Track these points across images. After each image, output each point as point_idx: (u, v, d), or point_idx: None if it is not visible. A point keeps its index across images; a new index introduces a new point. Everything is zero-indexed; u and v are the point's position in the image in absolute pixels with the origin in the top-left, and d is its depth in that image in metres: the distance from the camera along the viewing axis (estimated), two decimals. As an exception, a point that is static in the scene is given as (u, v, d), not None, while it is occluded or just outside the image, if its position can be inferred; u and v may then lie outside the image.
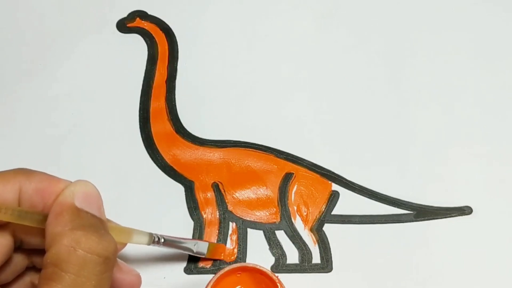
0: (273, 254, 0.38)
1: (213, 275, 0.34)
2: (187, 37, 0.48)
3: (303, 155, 0.41)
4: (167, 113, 0.44)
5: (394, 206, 0.39)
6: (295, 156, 0.41)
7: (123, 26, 0.48)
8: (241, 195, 0.40)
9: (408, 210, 0.39)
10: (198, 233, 0.38)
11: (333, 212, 0.39)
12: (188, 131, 0.43)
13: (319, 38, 0.47)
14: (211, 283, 0.33)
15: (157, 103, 0.44)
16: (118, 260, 0.31)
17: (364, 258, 0.37)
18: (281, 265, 0.37)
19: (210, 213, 0.39)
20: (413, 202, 0.39)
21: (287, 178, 0.40)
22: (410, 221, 0.39)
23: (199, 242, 0.36)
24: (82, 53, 0.47)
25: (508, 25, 0.47)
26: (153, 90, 0.45)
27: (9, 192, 0.27)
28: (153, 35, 0.48)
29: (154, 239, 0.32)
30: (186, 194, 0.40)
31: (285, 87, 0.45)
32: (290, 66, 0.46)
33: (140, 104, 0.44)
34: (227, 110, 0.44)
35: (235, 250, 0.38)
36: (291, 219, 0.39)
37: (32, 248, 0.29)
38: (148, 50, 0.47)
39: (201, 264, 0.37)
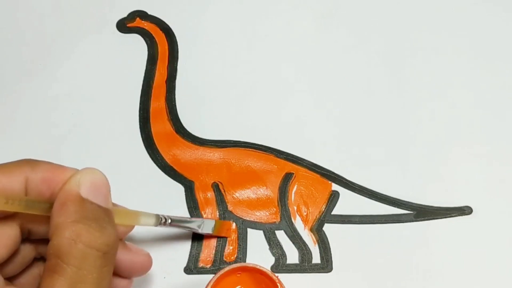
0: (273, 254, 0.38)
1: (213, 275, 0.34)
2: (187, 37, 0.48)
3: (303, 155, 0.41)
4: (167, 113, 0.44)
5: (394, 206, 0.39)
6: (295, 156, 0.41)
7: (123, 26, 0.48)
8: (241, 195, 0.40)
9: (408, 210, 0.39)
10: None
11: (333, 212, 0.39)
12: (188, 131, 0.43)
13: (319, 38, 0.47)
14: (211, 283, 0.33)
15: (157, 103, 0.44)
16: (126, 242, 0.32)
17: (364, 258, 0.37)
18: (281, 265, 0.37)
19: (210, 213, 0.39)
20: (413, 202, 0.39)
21: (287, 178, 0.40)
22: (410, 221, 0.39)
23: (206, 220, 0.37)
24: (82, 53, 0.47)
25: (508, 25, 0.47)
26: (153, 90, 0.45)
27: (15, 182, 0.27)
28: (153, 35, 0.48)
29: (161, 220, 0.33)
30: (186, 194, 0.40)
31: (285, 87, 0.45)
32: (290, 66, 0.46)
33: (140, 104, 0.44)
34: (227, 110, 0.44)
35: (236, 250, 0.38)
36: (291, 219, 0.39)
37: (40, 239, 0.30)
38: (148, 50, 0.47)
39: (201, 264, 0.37)
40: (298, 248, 0.38)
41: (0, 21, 0.49)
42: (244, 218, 0.39)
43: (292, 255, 0.38)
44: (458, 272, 0.36)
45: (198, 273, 0.37)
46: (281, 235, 0.38)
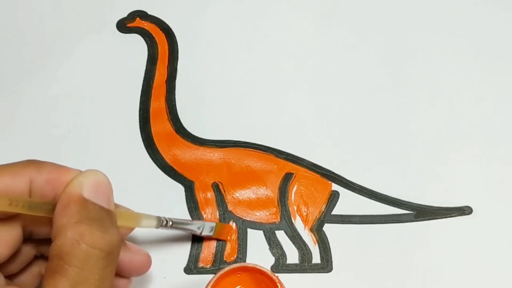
0: (273, 254, 0.38)
1: (213, 275, 0.34)
2: (187, 37, 0.48)
3: (303, 155, 0.41)
4: (167, 113, 0.44)
5: (394, 206, 0.39)
6: (295, 156, 0.41)
7: (123, 26, 0.48)
8: (241, 195, 0.40)
9: (408, 210, 0.39)
10: (198, 233, 0.38)
11: (333, 212, 0.39)
12: (188, 131, 0.43)
13: (319, 38, 0.47)
14: (211, 283, 0.33)
15: (157, 103, 0.44)
16: (126, 241, 0.32)
17: (364, 258, 0.37)
18: (281, 265, 0.37)
19: (210, 213, 0.39)
20: (413, 202, 0.39)
21: (287, 178, 0.40)
22: (410, 221, 0.39)
23: (207, 223, 0.37)
24: (82, 53, 0.47)
25: (508, 25, 0.47)
26: (153, 90, 0.45)
27: (19, 184, 0.27)
28: (153, 35, 0.48)
29: (162, 222, 0.33)
30: (186, 194, 0.40)
31: (285, 87, 0.45)
32: (290, 66, 0.46)
33: (140, 104, 0.44)
34: (227, 110, 0.44)
35: (236, 250, 0.38)
36: (291, 219, 0.39)
37: (41, 239, 0.30)
38: (148, 50, 0.47)
39: (201, 264, 0.37)
40: (298, 248, 0.38)
41: (0, 21, 0.49)
42: (244, 218, 0.39)
43: (292, 255, 0.38)
44: (458, 272, 0.36)
45: (198, 273, 0.37)
46: (281, 235, 0.38)
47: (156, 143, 0.42)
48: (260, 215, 0.39)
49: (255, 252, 0.38)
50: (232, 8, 0.49)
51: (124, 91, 0.45)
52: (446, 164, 0.41)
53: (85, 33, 0.48)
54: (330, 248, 0.38)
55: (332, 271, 0.37)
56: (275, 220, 0.39)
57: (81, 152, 0.42)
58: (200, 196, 0.40)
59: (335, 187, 0.40)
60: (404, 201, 0.39)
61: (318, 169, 0.41)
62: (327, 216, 0.39)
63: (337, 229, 0.38)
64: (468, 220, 0.38)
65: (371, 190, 0.40)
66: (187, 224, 0.36)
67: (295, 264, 0.37)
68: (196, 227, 0.36)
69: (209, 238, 0.38)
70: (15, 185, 0.27)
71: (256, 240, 0.38)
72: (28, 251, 0.30)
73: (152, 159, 0.42)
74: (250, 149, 0.42)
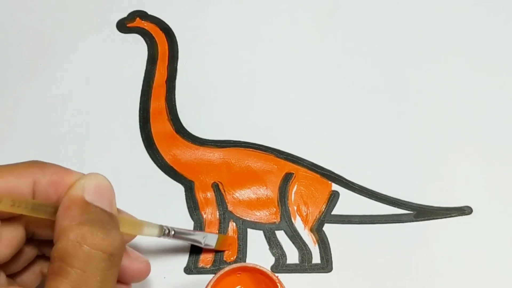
0: (273, 254, 0.38)
1: (213, 275, 0.34)
2: (187, 37, 0.48)
3: (303, 155, 0.41)
4: (167, 113, 0.44)
5: (394, 206, 0.39)
6: (295, 156, 0.41)
7: (123, 26, 0.48)
8: (241, 195, 0.40)
9: (408, 210, 0.39)
10: (198, 233, 0.38)
11: (333, 212, 0.39)
12: (188, 131, 0.43)
13: (319, 38, 0.47)
14: (211, 283, 0.33)
15: (157, 103, 0.44)
16: (127, 247, 0.32)
17: (364, 258, 0.37)
18: (281, 265, 0.37)
19: (210, 213, 0.39)
20: (413, 202, 0.39)
21: (287, 178, 0.40)
22: (410, 221, 0.39)
23: (209, 234, 0.37)
24: (82, 53, 0.47)
25: (508, 25, 0.47)
26: (153, 90, 0.45)
27: (23, 185, 0.27)
28: (153, 35, 0.48)
29: (164, 231, 0.33)
30: (186, 194, 0.40)
31: (285, 87, 0.45)
32: (290, 66, 0.46)
33: (140, 104, 0.44)
34: (227, 110, 0.44)
35: (236, 250, 0.38)
36: (291, 219, 0.39)
37: (43, 239, 0.30)
38: (148, 50, 0.47)
39: (201, 264, 0.37)
40: (298, 248, 0.38)
41: (0, 21, 0.49)
42: (244, 218, 0.39)
43: (292, 255, 0.38)
44: (458, 272, 0.36)
45: (198, 273, 0.37)
46: (281, 235, 0.38)
47: (156, 143, 0.42)
48: (260, 215, 0.39)
49: (255, 252, 0.38)
50: (232, 8, 0.49)
51: (124, 91, 0.45)
52: (446, 164, 0.41)
53: (85, 33, 0.48)
54: (330, 248, 0.38)
55: (332, 271, 0.37)
56: (275, 220, 0.39)
57: (81, 152, 0.42)
58: (200, 196, 0.40)
59: (335, 187, 0.40)
60: (404, 201, 0.39)
61: (318, 169, 0.41)
62: (327, 216, 0.39)
63: (337, 229, 0.38)
64: (468, 220, 0.38)
65: (371, 190, 0.40)
66: (189, 234, 0.36)
67: (295, 264, 0.37)
68: (198, 237, 0.36)
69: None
70: (19, 186, 0.27)
71: (256, 240, 0.38)
72: (30, 251, 0.30)
73: (152, 159, 0.42)
74: (250, 149, 0.42)
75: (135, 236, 0.32)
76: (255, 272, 0.34)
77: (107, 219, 0.27)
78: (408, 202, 0.39)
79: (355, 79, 0.45)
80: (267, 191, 0.40)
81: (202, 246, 0.36)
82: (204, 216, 0.39)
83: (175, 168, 0.41)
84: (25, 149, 0.42)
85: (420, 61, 0.46)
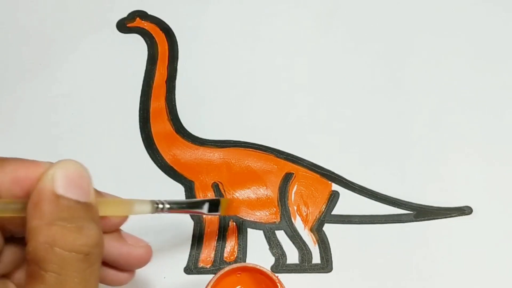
0: (273, 254, 0.38)
1: (213, 275, 0.34)
2: (187, 37, 0.48)
3: (303, 155, 0.41)
4: (167, 113, 0.44)
5: (394, 206, 0.39)
6: (295, 156, 0.41)
7: (123, 26, 0.48)
8: (241, 195, 0.40)
9: (408, 210, 0.39)
10: (198, 233, 0.38)
11: (333, 212, 0.39)
12: (188, 131, 0.43)
13: (319, 38, 0.47)
14: (211, 283, 0.33)
15: (157, 103, 0.44)
16: (123, 231, 0.30)
17: (364, 258, 0.37)
18: (281, 265, 0.37)
19: (210, 213, 0.39)
20: (413, 202, 0.39)
21: (287, 178, 0.40)
22: (410, 221, 0.39)
23: (210, 200, 0.34)
24: (82, 53, 0.47)
25: (508, 25, 0.47)
26: (153, 90, 0.45)
27: None
28: (153, 35, 0.48)
29: (158, 207, 0.30)
30: (186, 194, 0.40)
31: (285, 87, 0.45)
32: (290, 66, 0.46)
33: (140, 104, 0.44)
34: (227, 110, 0.44)
35: (236, 250, 0.38)
36: (291, 219, 0.39)
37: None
38: (148, 50, 0.47)
39: (201, 264, 0.37)
40: (298, 248, 0.38)
41: (0, 21, 0.49)
42: (244, 218, 0.39)
43: (292, 255, 0.38)
44: (458, 272, 0.36)
45: (198, 273, 0.37)
46: (281, 235, 0.38)
47: (156, 143, 0.42)
48: (260, 215, 0.39)
49: (255, 252, 0.38)
50: (232, 8, 0.49)
51: (124, 91, 0.45)
52: (446, 164, 0.41)
53: (85, 33, 0.48)
54: (330, 248, 0.38)
55: (332, 271, 0.37)
56: (275, 220, 0.39)
57: (81, 152, 0.42)
58: (200, 196, 0.40)
59: (335, 187, 0.40)
60: (404, 201, 0.39)
61: (318, 169, 0.41)
62: (327, 216, 0.39)
63: (337, 229, 0.38)
64: (468, 220, 0.38)
65: (371, 190, 0.40)
66: (187, 205, 0.33)
67: (295, 264, 0.37)
68: (198, 208, 0.33)
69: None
70: None
71: (256, 240, 0.38)
72: (16, 251, 0.28)
73: (152, 159, 0.42)
74: (250, 149, 0.42)
75: (126, 217, 0.30)
76: (255, 272, 0.34)
77: (82, 212, 0.24)
78: (408, 202, 0.39)
79: (355, 79, 0.45)
80: (267, 191, 0.40)
81: (206, 214, 0.34)
82: (204, 216, 0.39)
83: (175, 168, 0.41)
84: (25, 149, 0.42)
85: (420, 61, 0.46)
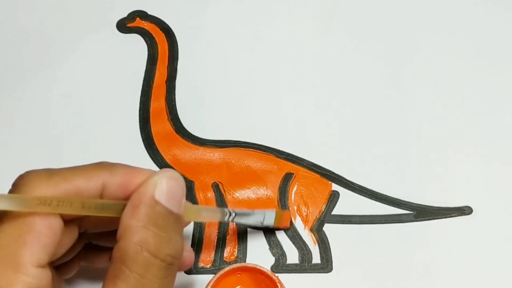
0: (273, 254, 0.38)
1: (213, 275, 0.34)
2: (187, 37, 0.48)
3: (303, 155, 0.41)
4: (167, 113, 0.44)
5: (394, 206, 0.39)
6: (295, 156, 0.41)
7: (123, 26, 0.48)
8: (241, 195, 0.40)
9: (408, 210, 0.39)
10: (198, 232, 0.38)
11: (333, 212, 0.39)
12: (188, 131, 0.43)
13: (319, 38, 0.47)
14: (211, 283, 0.33)
15: (157, 103, 0.44)
16: None
17: (364, 258, 0.37)
18: (281, 265, 0.37)
19: (210, 213, 0.39)
20: (413, 202, 0.39)
21: (287, 178, 0.40)
22: (410, 221, 0.39)
23: (267, 211, 0.36)
24: (82, 53, 0.47)
25: (508, 25, 0.47)
26: (153, 90, 0.45)
27: (92, 188, 0.27)
28: (153, 35, 0.48)
29: (226, 214, 0.32)
30: (186, 194, 0.40)
31: (285, 87, 0.45)
32: (290, 66, 0.46)
33: (140, 104, 0.44)
34: (227, 110, 0.44)
35: (236, 250, 0.38)
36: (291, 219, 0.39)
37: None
38: (148, 50, 0.47)
39: (201, 264, 0.37)
40: (298, 248, 0.38)
41: (0, 21, 0.49)
42: (244, 218, 0.39)
43: (292, 255, 0.38)
44: (458, 272, 0.36)
45: (198, 273, 0.37)
46: (281, 235, 0.38)
47: (156, 143, 0.42)
48: (260, 215, 0.39)
49: (255, 252, 0.38)
50: (232, 8, 0.49)
51: (124, 91, 0.45)
52: (446, 164, 0.41)
53: (85, 33, 0.48)
54: (330, 248, 0.38)
55: (332, 271, 0.37)
56: (275, 220, 0.39)
57: (81, 152, 0.42)
58: (200, 196, 0.40)
59: (335, 187, 0.40)
60: (404, 201, 0.39)
61: (318, 169, 0.41)
62: (327, 216, 0.39)
63: (337, 229, 0.38)
64: (468, 220, 0.38)
65: (371, 190, 0.40)
66: (249, 215, 0.35)
67: (295, 264, 0.37)
68: (257, 217, 0.35)
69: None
70: (88, 189, 0.26)
71: (256, 240, 0.38)
72: (78, 244, 0.30)
73: (152, 159, 0.42)
74: (250, 149, 0.42)
75: (189, 222, 0.32)
76: (255, 272, 0.34)
77: (173, 222, 0.26)
78: (408, 202, 0.39)
79: (355, 79, 0.45)
80: (267, 191, 0.40)
81: (261, 226, 0.36)
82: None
83: (175, 168, 0.41)
84: (25, 149, 0.42)
85: (420, 61, 0.46)
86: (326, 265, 0.37)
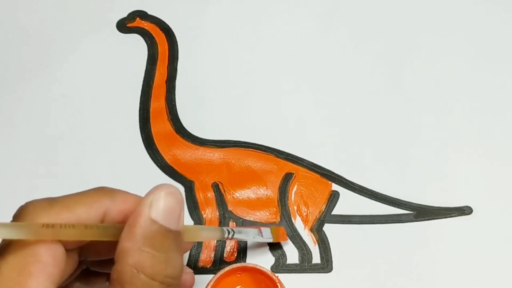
0: (273, 254, 0.38)
1: (213, 275, 0.34)
2: (187, 37, 0.48)
3: (303, 155, 0.41)
4: (167, 113, 0.44)
5: (394, 206, 0.39)
6: (295, 156, 0.41)
7: (123, 26, 0.48)
8: (241, 195, 0.40)
9: (408, 210, 0.39)
10: (198, 233, 0.38)
11: (333, 212, 0.39)
12: (188, 131, 0.43)
13: (319, 38, 0.47)
14: (211, 283, 0.33)
15: (157, 103, 0.44)
16: None
17: (364, 258, 0.37)
18: (281, 265, 0.37)
19: (210, 213, 0.39)
20: (413, 202, 0.39)
21: (287, 178, 0.40)
22: (410, 221, 0.39)
23: (262, 228, 0.36)
24: (82, 53, 0.47)
25: (508, 25, 0.47)
26: (153, 90, 0.45)
27: (93, 217, 0.26)
28: (153, 35, 0.48)
29: (225, 234, 0.32)
30: (186, 194, 0.40)
31: (285, 87, 0.45)
32: (290, 66, 0.46)
33: (140, 104, 0.44)
34: (227, 110, 0.44)
35: (236, 249, 0.38)
36: (291, 219, 0.39)
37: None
38: (148, 50, 0.47)
39: (201, 264, 0.37)
40: (298, 248, 0.38)
41: (0, 21, 0.49)
42: (244, 218, 0.39)
43: (292, 255, 0.38)
44: (458, 272, 0.36)
45: (198, 273, 0.37)
46: (281, 235, 0.38)
47: (156, 143, 0.42)
48: (260, 215, 0.39)
49: (255, 252, 0.38)
50: (232, 8, 0.49)
51: (124, 91, 0.45)
52: (446, 164, 0.41)
53: (85, 33, 0.48)
54: (330, 248, 0.38)
55: (332, 271, 0.37)
56: (275, 220, 0.39)
57: (81, 152, 0.42)
58: (200, 196, 0.40)
59: (335, 187, 0.40)
60: (404, 201, 0.39)
61: (318, 169, 0.41)
62: (327, 216, 0.39)
63: (337, 229, 0.38)
64: (468, 220, 0.38)
65: (371, 190, 0.40)
66: (246, 232, 0.35)
67: (295, 264, 0.37)
68: (254, 234, 0.35)
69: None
70: (89, 217, 0.26)
71: (256, 240, 0.38)
72: (77, 269, 0.29)
73: (152, 159, 0.42)
74: (250, 149, 0.42)
75: (193, 243, 0.31)
76: (255, 272, 0.34)
77: (171, 241, 0.25)
78: (408, 202, 0.39)
79: (355, 79, 0.45)
80: (267, 191, 0.40)
81: (261, 241, 0.36)
82: (204, 216, 0.39)
83: (175, 168, 0.41)
84: (25, 149, 0.42)
85: (420, 61, 0.46)
86: (326, 265, 0.37)
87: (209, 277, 0.34)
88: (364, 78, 0.45)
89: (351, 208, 0.39)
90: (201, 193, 0.40)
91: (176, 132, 0.43)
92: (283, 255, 0.37)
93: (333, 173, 0.41)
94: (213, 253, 0.38)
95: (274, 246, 0.38)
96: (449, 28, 0.47)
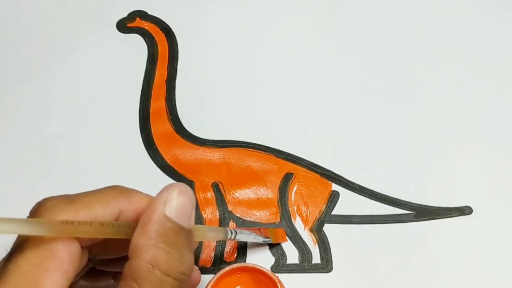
0: (273, 254, 0.38)
1: (213, 275, 0.34)
2: (187, 37, 0.48)
3: (303, 155, 0.41)
4: (167, 113, 0.44)
5: (394, 206, 0.39)
6: (295, 156, 0.41)
7: (123, 26, 0.48)
8: (241, 195, 0.40)
9: (408, 210, 0.39)
10: (198, 233, 0.38)
11: (333, 212, 0.39)
12: (188, 131, 0.43)
13: (319, 38, 0.47)
14: (211, 283, 0.33)
15: (157, 103, 0.44)
16: None
17: (364, 258, 0.37)
18: (281, 265, 0.37)
19: (210, 213, 0.39)
20: (413, 202, 0.39)
21: (287, 178, 0.40)
22: (410, 221, 0.39)
23: (261, 230, 0.36)
24: (82, 53, 0.47)
25: (508, 25, 0.47)
26: (153, 90, 0.45)
27: (109, 215, 0.26)
28: (153, 35, 0.48)
29: (228, 234, 0.32)
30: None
31: (285, 87, 0.45)
32: (290, 66, 0.46)
33: (140, 104, 0.44)
34: (227, 110, 0.44)
35: (236, 249, 0.38)
36: (291, 219, 0.39)
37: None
38: (148, 50, 0.47)
39: (201, 264, 0.37)
40: (298, 248, 0.38)
41: (0, 21, 0.49)
42: (244, 218, 0.39)
43: (292, 255, 0.38)
44: (458, 272, 0.36)
45: (198, 273, 0.37)
46: (281, 235, 0.38)
47: (156, 143, 0.42)
48: (260, 215, 0.39)
49: (255, 252, 0.38)
50: (232, 8, 0.49)
51: (124, 91, 0.45)
52: (446, 164, 0.41)
53: (85, 33, 0.48)
54: (330, 248, 0.38)
55: (332, 271, 0.37)
56: (275, 220, 0.39)
57: (81, 152, 0.42)
58: (200, 196, 0.40)
59: (335, 187, 0.40)
60: (404, 201, 0.39)
61: (318, 169, 0.41)
62: (327, 216, 0.39)
63: (337, 229, 0.38)
64: (468, 220, 0.38)
65: (371, 190, 0.40)
66: (248, 234, 0.35)
67: (295, 264, 0.37)
68: (253, 236, 0.35)
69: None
70: (105, 216, 0.26)
71: (256, 240, 0.38)
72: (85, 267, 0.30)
73: (152, 159, 0.42)
74: (250, 149, 0.42)
75: (198, 243, 0.32)
76: (255, 272, 0.34)
77: (184, 239, 0.26)
78: (408, 202, 0.39)
79: (355, 79, 0.45)
80: (267, 191, 0.40)
81: (261, 242, 0.36)
82: (204, 216, 0.39)
83: (175, 168, 0.41)
84: (25, 149, 0.42)
85: (420, 61, 0.46)
86: (326, 265, 0.37)
87: (209, 277, 0.34)
88: (364, 78, 0.45)
89: (351, 208, 0.39)
90: (201, 193, 0.40)
91: (176, 132, 0.43)
92: (283, 255, 0.37)
93: (333, 173, 0.41)
94: (213, 253, 0.38)
95: (274, 246, 0.38)
96: (449, 28, 0.47)
